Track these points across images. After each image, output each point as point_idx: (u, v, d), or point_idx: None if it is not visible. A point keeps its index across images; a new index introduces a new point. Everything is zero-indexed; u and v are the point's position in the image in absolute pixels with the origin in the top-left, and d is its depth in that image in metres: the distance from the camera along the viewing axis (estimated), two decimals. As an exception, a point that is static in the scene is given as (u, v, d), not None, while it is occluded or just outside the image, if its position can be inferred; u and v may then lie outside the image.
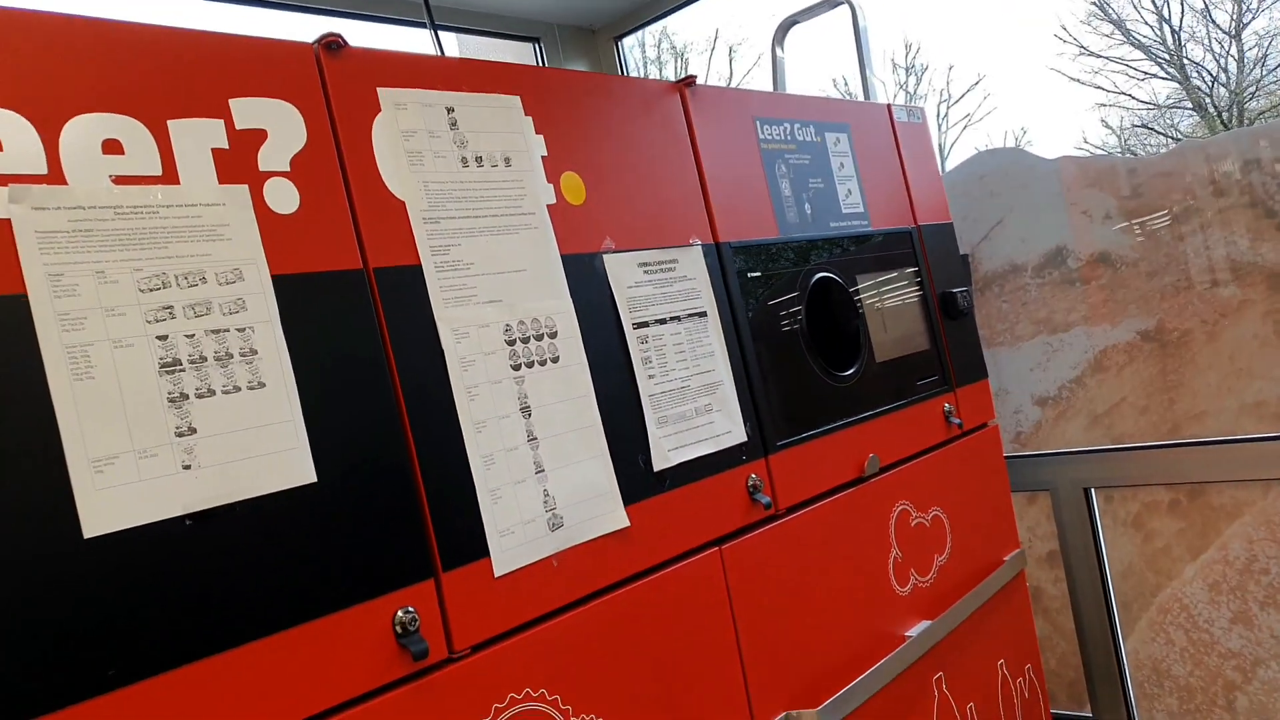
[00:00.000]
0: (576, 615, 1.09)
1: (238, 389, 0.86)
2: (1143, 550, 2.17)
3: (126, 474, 0.78)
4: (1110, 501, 2.19)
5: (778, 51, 2.42)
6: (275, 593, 0.84)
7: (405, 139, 1.05)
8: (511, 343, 1.09)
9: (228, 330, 0.87)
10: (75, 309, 0.78)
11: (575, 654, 1.07)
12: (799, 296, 1.51)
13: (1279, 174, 1.98)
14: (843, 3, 2.27)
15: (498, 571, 1.02)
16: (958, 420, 1.78)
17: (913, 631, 1.55)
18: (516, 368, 1.09)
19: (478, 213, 1.10)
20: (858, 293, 1.64)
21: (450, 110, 1.10)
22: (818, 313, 1.55)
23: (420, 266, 1.03)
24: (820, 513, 1.45)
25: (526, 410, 1.09)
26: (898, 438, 1.64)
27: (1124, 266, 2.17)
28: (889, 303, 1.72)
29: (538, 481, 1.08)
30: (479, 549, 1.01)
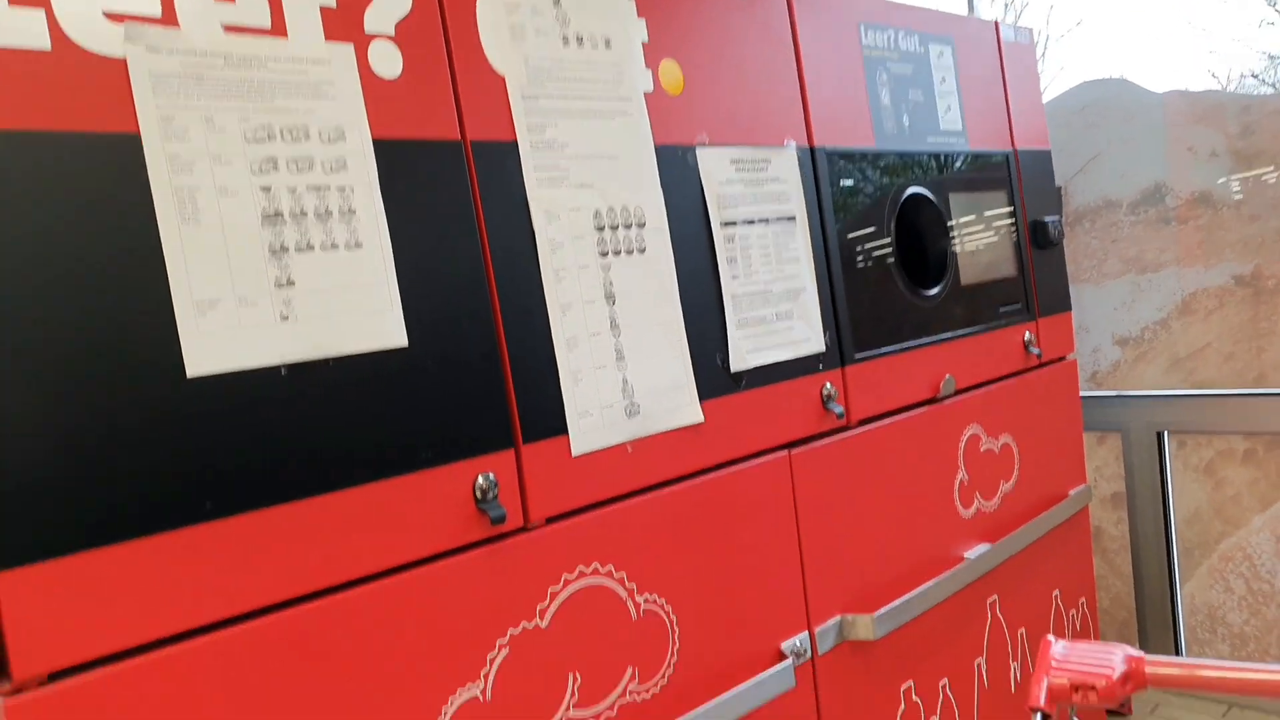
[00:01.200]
0: (647, 501, 1.07)
1: (335, 246, 0.85)
2: (1212, 498, 2.07)
3: (228, 319, 0.78)
4: (1183, 447, 2.09)
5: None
6: (363, 447, 0.84)
7: (509, 12, 1.00)
8: (600, 229, 1.05)
9: (328, 188, 0.85)
10: (185, 153, 0.77)
11: (643, 537, 1.06)
12: (890, 210, 1.44)
13: None
14: (954, -84, 2.11)
15: (575, 450, 1.00)
16: (1037, 350, 1.70)
17: (972, 553, 1.51)
18: (604, 254, 1.06)
19: (576, 94, 1.05)
20: (949, 213, 1.56)
21: (554, -13, 1.05)
22: (907, 229, 1.47)
23: (516, 143, 0.99)
24: (891, 428, 1.40)
25: (611, 298, 1.06)
26: (975, 361, 1.57)
27: (1225, 208, 2.02)
28: (979, 225, 1.63)
29: (618, 369, 1.06)
30: (558, 426, 0.99)
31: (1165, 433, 2.07)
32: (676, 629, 1.09)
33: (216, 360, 0.77)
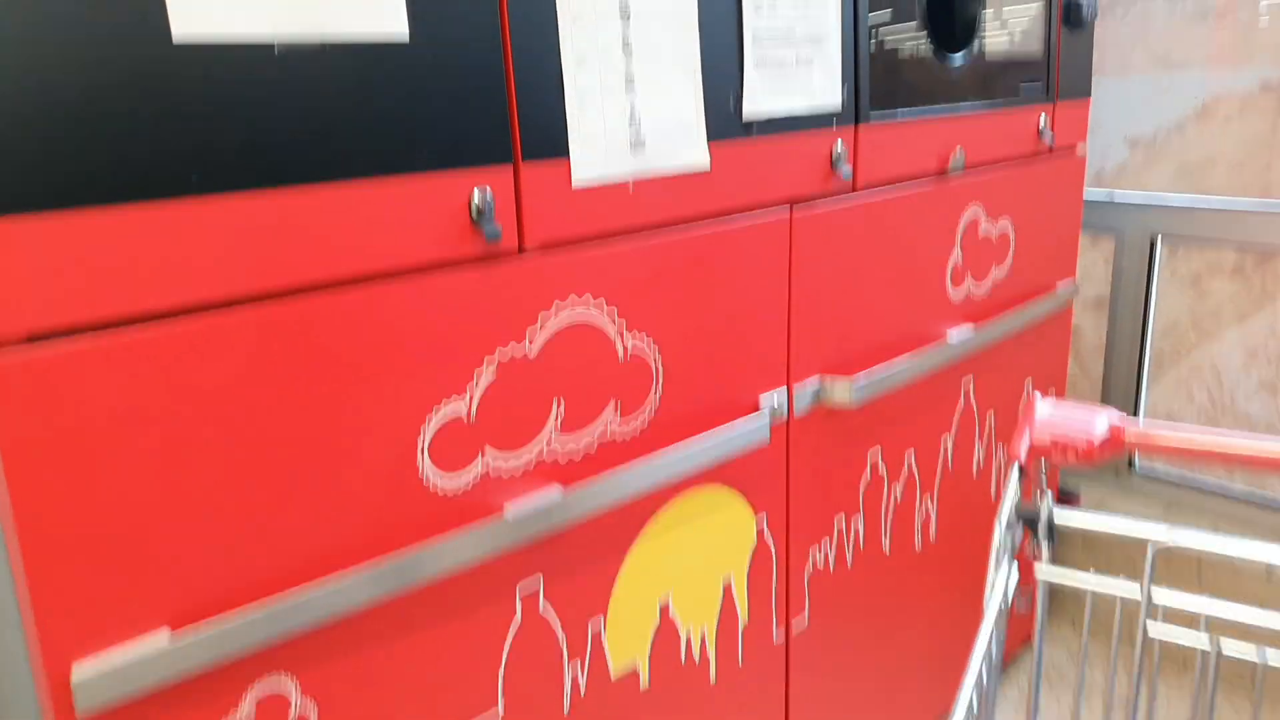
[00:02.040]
0: (644, 241, 1.06)
1: (331, -88, 0.77)
2: (1193, 309, 2.12)
3: (214, -21, 0.72)
4: (1173, 255, 2.11)
5: None
6: (357, 141, 0.81)
7: None
8: (619, -67, 0.97)
9: None
10: None
11: (636, 277, 1.06)
12: (923, -39, 1.35)
13: None
14: None
15: (575, 177, 0.98)
16: (1050, 135, 1.66)
17: (954, 332, 1.54)
18: (621, -37, 0.98)
19: None
20: (984, -27, 1.46)
21: None
22: (939, -14, 1.39)
23: None
24: (895, 198, 1.38)
25: (626, 14, 1.00)
26: (988, 138, 1.54)
27: (1269, 7, 1.92)
28: (1013, -7, 1.54)
29: (626, 94, 1.01)
30: (560, 148, 0.96)
31: (1158, 239, 2.08)
32: (661, 369, 1.11)
33: (203, 24, 0.72)
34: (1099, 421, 0.86)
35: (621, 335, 1.06)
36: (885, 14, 1.31)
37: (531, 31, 0.92)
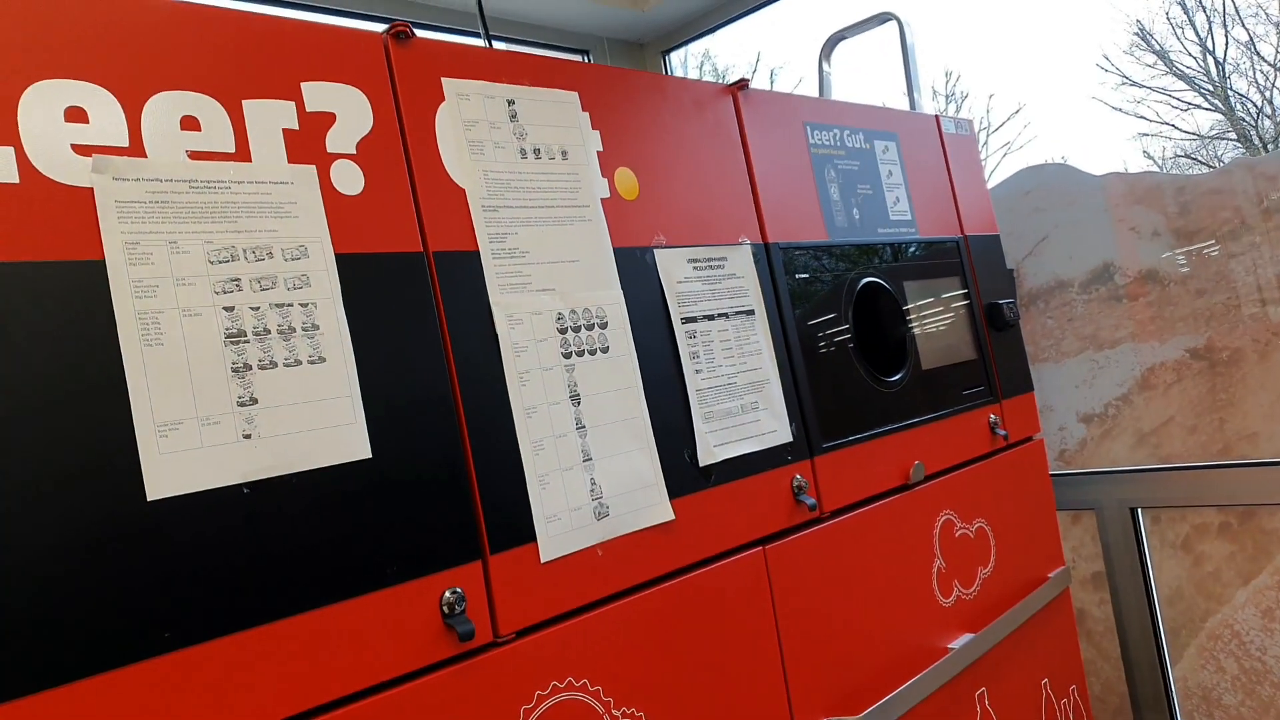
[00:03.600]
0: (620, 607, 1.08)
1: (299, 362, 0.88)
2: (1192, 574, 2.11)
3: (190, 440, 0.80)
4: (1158, 523, 2.14)
5: (824, 66, 2.42)
6: (326, 566, 0.85)
7: (467, 128, 1.07)
8: (563, 331, 1.10)
9: (291, 305, 0.88)
10: (149, 277, 0.80)
11: (618, 646, 1.07)
12: (846, 300, 1.51)
13: (1335, 192, 1.94)
14: (891, 19, 2.27)
15: (544, 557, 1.02)
16: (1003, 432, 1.76)
17: (955, 644, 1.52)
18: (567, 355, 1.10)
19: (535, 203, 1.11)
20: (905, 300, 1.63)
21: (511, 103, 1.12)
22: (865, 318, 1.54)
23: (478, 252, 1.04)
24: (865, 518, 1.43)
25: (576, 398, 1.09)
26: (943, 446, 1.62)
27: (1172, 284, 2.13)
28: (936, 311, 1.71)
29: (585, 470, 1.09)
30: (526, 534, 1.01)
31: (1139, 509, 2.12)
32: (657, 740, 1.08)
33: (177, 481, 0.78)
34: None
35: (610, 710, 1.04)
36: (821, 351, 1.43)
37: (489, 429, 1.00)
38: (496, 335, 1.03)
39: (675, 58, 2.88)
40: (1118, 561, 2.14)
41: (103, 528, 0.74)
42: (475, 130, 1.08)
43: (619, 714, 1.05)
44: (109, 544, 0.74)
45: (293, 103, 0.92)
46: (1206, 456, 2.10)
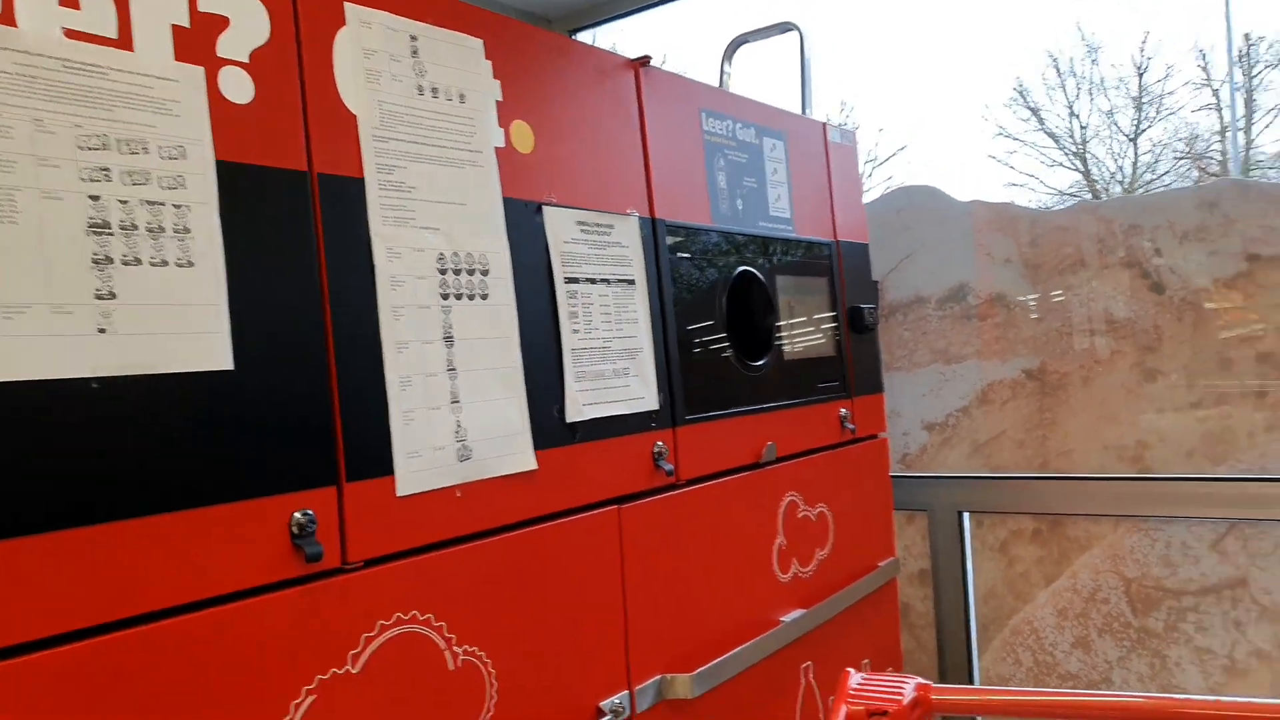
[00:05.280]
0: (473, 548, 1.09)
1: (165, 263, 0.84)
2: (1005, 574, 2.28)
3: (38, 325, 0.75)
4: (981, 526, 2.30)
5: (725, 67, 2.48)
6: (174, 472, 0.82)
7: (366, 56, 1.05)
8: (444, 272, 1.09)
9: (164, 204, 0.84)
10: (6, 151, 0.75)
11: (467, 586, 1.07)
12: (722, 284, 1.55)
13: (1155, 241, 2.13)
14: (793, 28, 2.35)
15: (400, 491, 1.01)
16: (852, 426, 1.85)
17: (788, 617, 1.59)
18: (445, 297, 1.09)
19: (427, 141, 1.10)
20: (775, 291, 1.69)
21: (414, 39, 1.10)
22: (737, 303, 1.59)
23: (363, 180, 1.02)
24: (717, 489, 1.48)
25: (450, 340, 1.09)
26: (796, 432, 1.70)
27: (1017, 309, 2.29)
28: (802, 306, 1.78)
29: (452, 411, 1.08)
30: (385, 466, 1.00)
31: (965, 512, 2.27)
32: (495, 682, 1.09)
33: (20, 367, 0.74)
34: (907, 688, 0.91)
35: (451, 647, 1.05)
36: (693, 328, 1.47)
37: (357, 359, 0.98)
38: (374, 266, 1.02)
39: (583, 39, 2.89)
40: (943, 560, 2.28)
41: (-71, 405, 0.69)
42: (374, 60, 1.06)
43: (459, 651, 1.05)
44: (-66, 423, 0.69)
45: (185, -1, 0.88)
46: (1029, 469, 2.27)
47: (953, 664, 2.27)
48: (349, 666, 0.94)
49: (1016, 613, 2.27)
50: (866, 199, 2.12)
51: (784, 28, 2.37)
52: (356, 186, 1.01)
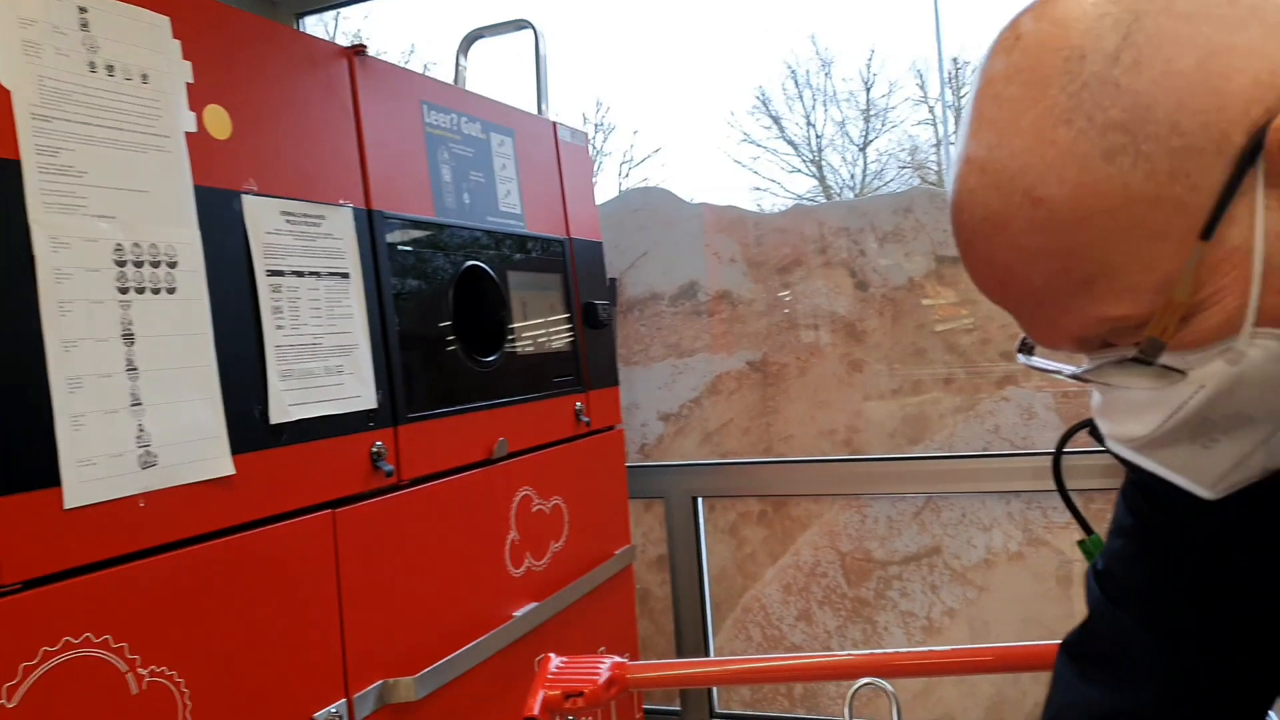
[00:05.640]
0: (162, 560, 1.03)
1: None
2: (735, 555, 2.46)
3: None
4: (713, 511, 2.47)
5: (461, 60, 2.48)
6: None
7: (22, 26, 0.96)
8: (122, 264, 1.03)
9: None
10: None
11: (153, 602, 1.02)
12: (449, 279, 1.57)
13: (862, 243, 2.39)
14: (528, 26, 2.39)
15: (69, 503, 0.94)
16: (586, 419, 1.93)
17: (520, 611, 1.63)
18: (124, 291, 1.03)
19: (101, 122, 1.03)
20: (507, 287, 1.73)
21: (83, 10, 1.02)
22: (466, 298, 1.61)
23: (19, 162, 0.94)
24: (444, 488, 1.49)
25: (130, 338, 1.03)
26: (529, 427, 1.74)
27: (741, 304, 2.48)
28: (535, 302, 1.83)
29: (133, 414, 1.02)
30: (49, 476, 0.93)
31: (699, 498, 2.43)
32: (188, 703, 1.04)
33: None
34: (603, 668, 0.98)
35: (135, 669, 0.99)
36: (416, 323, 1.48)
37: (12, 357, 0.91)
38: (34, 257, 0.94)
39: (312, 23, 2.78)
40: (679, 544, 2.42)
41: None
42: (33, 30, 0.98)
43: (144, 673, 1.00)
44: None
45: None
46: (755, 454, 2.46)
47: (689, 644, 2.43)
48: (3, 701, 0.86)
49: (746, 591, 2.46)
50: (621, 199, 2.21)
51: (519, 25, 2.41)
52: (10, 168, 0.93)
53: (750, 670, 1.03)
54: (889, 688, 0.99)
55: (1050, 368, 0.63)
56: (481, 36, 2.46)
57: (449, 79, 2.29)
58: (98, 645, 0.95)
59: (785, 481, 2.37)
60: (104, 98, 1.04)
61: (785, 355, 2.44)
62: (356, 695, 1.27)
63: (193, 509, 1.07)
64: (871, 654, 1.01)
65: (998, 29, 0.57)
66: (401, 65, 1.56)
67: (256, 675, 1.13)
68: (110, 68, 1.05)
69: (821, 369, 2.41)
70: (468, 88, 2.44)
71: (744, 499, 2.45)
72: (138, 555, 1.01)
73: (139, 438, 1.02)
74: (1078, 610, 0.78)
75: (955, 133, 0.60)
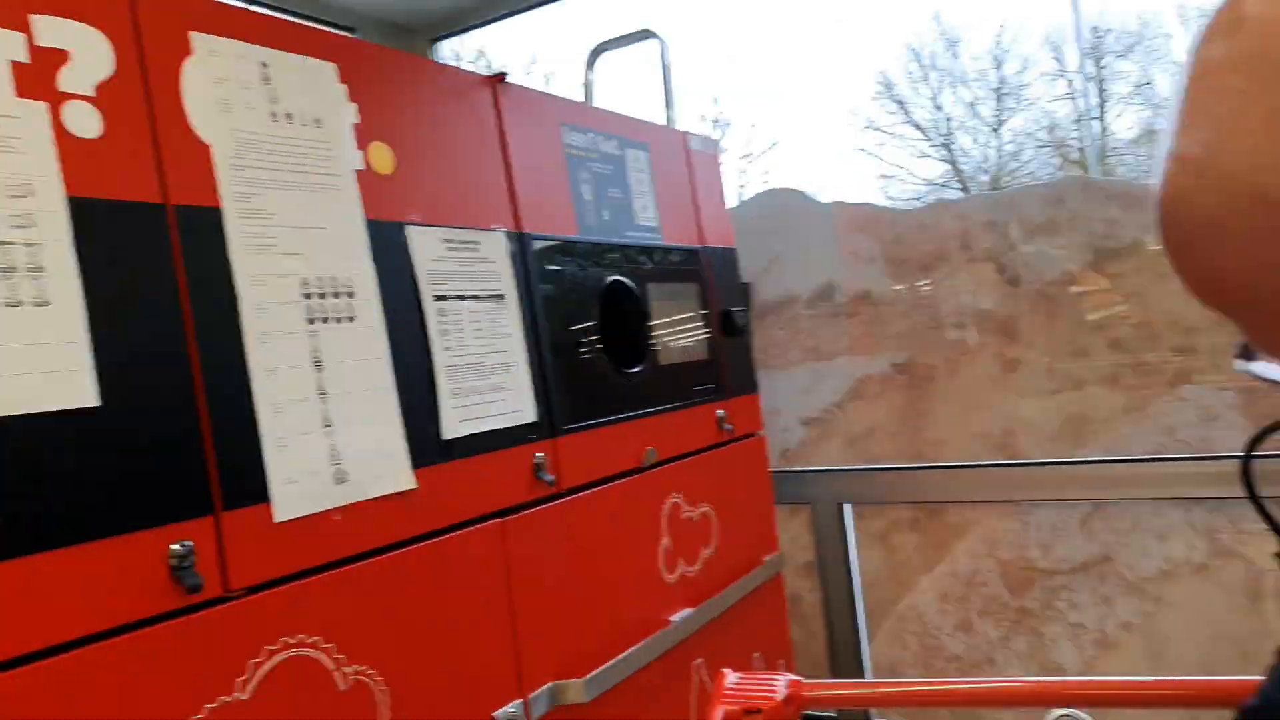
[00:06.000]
0: (358, 569, 1.14)
1: (20, 303, 0.87)
2: (887, 562, 2.46)
3: (-111, 373, 0.78)
4: (862, 517, 2.47)
5: (589, 75, 2.59)
6: (47, 511, 0.85)
7: (216, 85, 1.09)
8: (308, 296, 1.15)
9: (13, 244, 0.88)
10: None
11: (352, 606, 1.13)
12: (593, 294, 1.65)
13: (1010, 236, 2.36)
14: (653, 37, 2.48)
15: (278, 517, 1.06)
16: (729, 426, 1.98)
17: (676, 616, 1.70)
18: (311, 321, 1.14)
19: (284, 167, 1.15)
20: (647, 299, 1.80)
21: (264, 65, 1.15)
22: (609, 312, 1.69)
23: (221, 209, 1.07)
24: (599, 496, 1.57)
25: (319, 364, 1.14)
26: (674, 435, 1.81)
27: (883, 304, 2.48)
28: (674, 312, 1.90)
29: (325, 435, 1.14)
30: (261, 493, 1.05)
31: (846, 504, 2.44)
32: (387, 699, 1.15)
33: None
34: (779, 684, 1.02)
35: (340, 668, 1.10)
36: (565, 339, 1.57)
37: (226, 388, 1.03)
38: (237, 294, 1.06)
39: (446, 47, 2.94)
40: (827, 551, 2.44)
41: None
42: (224, 88, 1.11)
43: (349, 671, 1.11)
44: None
45: (22, 34, 0.91)
46: (903, 459, 2.45)
47: (842, 652, 2.43)
48: (238, 694, 0.98)
49: (901, 599, 2.45)
50: (742, 195, 2.26)
51: (644, 35, 2.50)
52: (214, 215, 1.06)
53: (933, 694, 1.05)
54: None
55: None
56: (607, 49, 2.56)
57: (571, 89, 2.39)
58: (309, 645, 1.07)
59: (939, 487, 2.35)
60: (285, 144, 1.16)
61: (932, 356, 2.43)
62: (531, 696, 1.36)
63: (381, 521, 1.18)
64: (1068, 681, 1.01)
65: (1208, 6, 0.53)
66: (530, 84, 1.65)
67: (442, 675, 1.23)
68: (289, 115, 1.18)
69: (972, 369, 2.38)
70: (597, 101, 2.55)
71: (895, 506, 2.44)
72: (336, 564, 1.12)
73: (331, 456, 1.14)
74: (1271, 627, 0.76)
75: (1167, 124, 0.56)
